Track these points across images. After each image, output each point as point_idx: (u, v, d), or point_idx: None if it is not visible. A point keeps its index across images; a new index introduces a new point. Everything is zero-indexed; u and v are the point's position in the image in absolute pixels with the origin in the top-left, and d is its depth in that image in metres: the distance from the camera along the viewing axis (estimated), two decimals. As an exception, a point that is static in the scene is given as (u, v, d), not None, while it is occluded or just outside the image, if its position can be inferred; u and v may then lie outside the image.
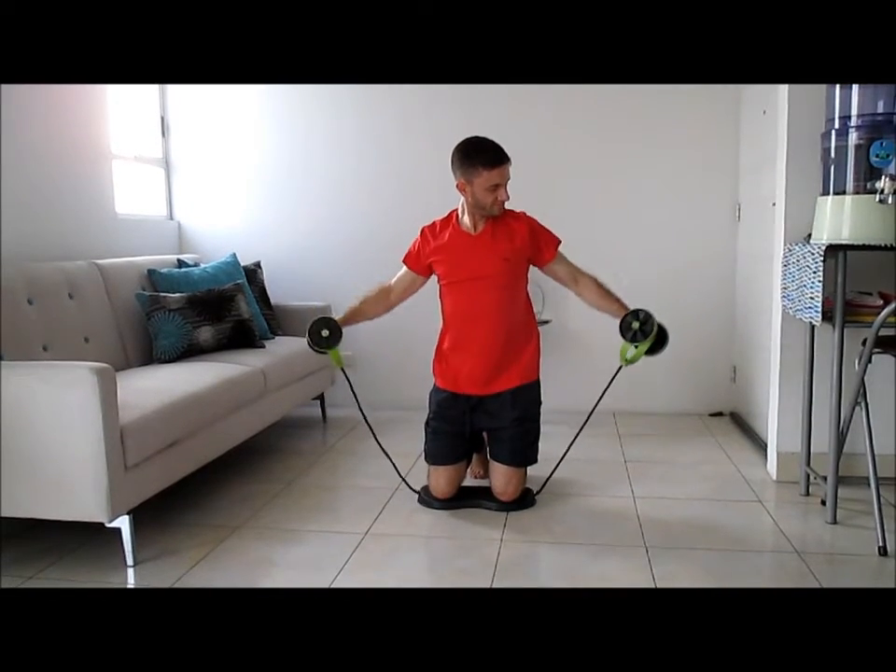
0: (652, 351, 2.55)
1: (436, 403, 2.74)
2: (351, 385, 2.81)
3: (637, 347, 2.53)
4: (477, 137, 2.59)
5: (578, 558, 2.30)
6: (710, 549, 2.35)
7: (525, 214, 2.70)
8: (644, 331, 2.49)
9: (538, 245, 2.67)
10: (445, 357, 2.74)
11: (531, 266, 2.73)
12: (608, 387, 2.68)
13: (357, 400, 2.80)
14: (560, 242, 2.70)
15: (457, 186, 2.60)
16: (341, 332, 2.65)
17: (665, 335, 2.55)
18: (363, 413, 2.82)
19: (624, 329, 2.52)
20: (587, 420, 2.74)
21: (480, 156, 2.53)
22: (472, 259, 2.63)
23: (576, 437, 2.77)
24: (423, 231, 2.75)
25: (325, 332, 2.64)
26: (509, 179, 2.58)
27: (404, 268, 2.78)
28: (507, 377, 2.67)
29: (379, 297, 2.80)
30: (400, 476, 2.86)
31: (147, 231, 4.00)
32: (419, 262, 2.73)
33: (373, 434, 2.85)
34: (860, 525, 2.51)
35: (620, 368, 2.61)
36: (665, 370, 4.00)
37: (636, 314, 2.51)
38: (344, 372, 2.80)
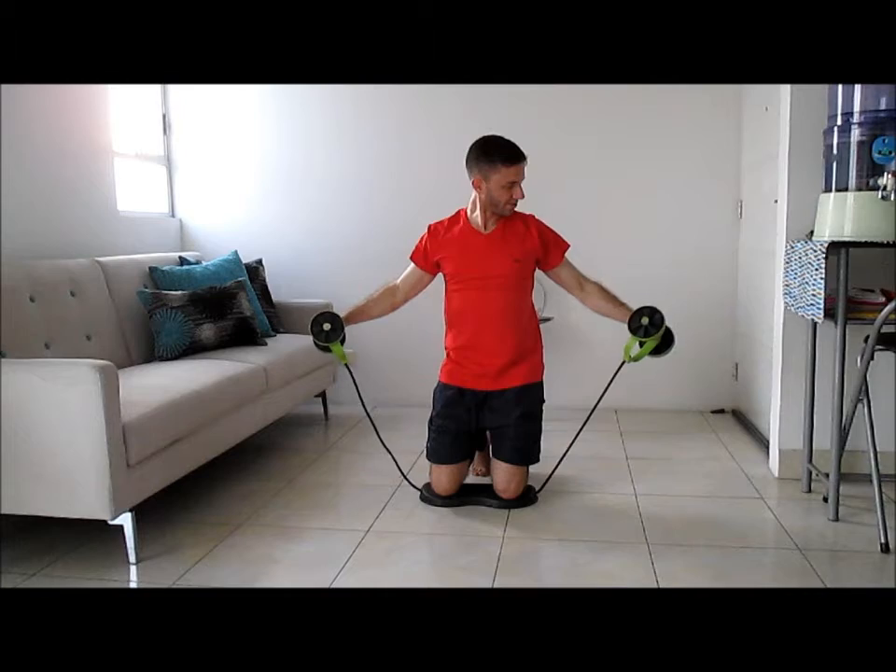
0: (657, 352, 2.58)
1: (441, 400, 2.74)
2: (355, 381, 2.81)
3: (641, 346, 2.55)
4: (495, 135, 2.61)
5: (579, 555, 2.31)
6: (712, 546, 2.35)
7: (533, 216, 2.71)
8: (654, 326, 2.51)
9: (547, 247, 2.68)
10: (453, 355, 2.74)
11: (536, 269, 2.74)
12: (610, 383, 2.68)
13: (360, 396, 2.79)
14: (568, 247, 2.71)
15: (473, 182, 2.61)
16: (342, 328, 2.65)
17: (670, 338, 2.57)
18: (366, 409, 2.82)
19: (633, 325, 2.54)
20: (588, 417, 2.74)
21: (499, 152, 2.55)
22: (482, 258, 2.64)
23: (577, 434, 2.77)
24: (430, 228, 2.75)
25: (326, 327, 2.64)
26: (524, 178, 2.59)
27: (411, 265, 2.78)
28: (514, 374, 2.67)
29: (384, 296, 2.79)
30: (401, 472, 2.87)
31: (148, 229, 4.01)
32: (426, 260, 2.73)
33: (375, 429, 2.86)
34: (862, 521, 2.51)
35: (623, 363, 2.62)
36: (667, 366, 3.98)
37: (645, 310, 2.53)
38: (348, 368, 2.80)
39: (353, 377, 2.81)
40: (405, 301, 2.82)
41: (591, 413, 2.74)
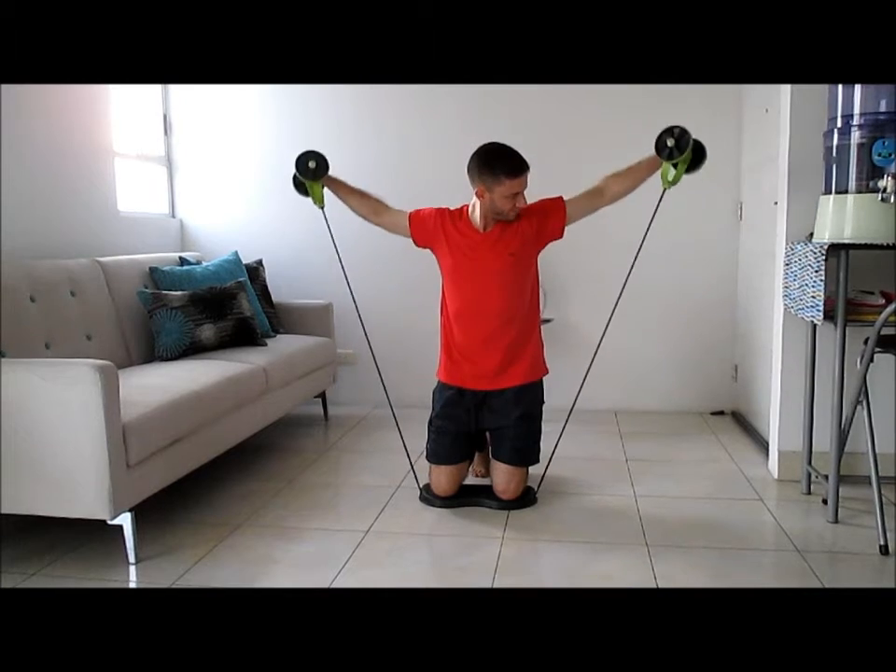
0: (693, 168, 2.55)
1: (441, 401, 2.74)
2: (329, 228, 2.85)
3: (676, 168, 2.52)
4: (496, 144, 2.58)
5: (579, 556, 2.31)
6: (711, 547, 2.35)
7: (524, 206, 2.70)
8: (679, 147, 2.48)
9: (543, 223, 2.65)
10: (451, 354, 2.74)
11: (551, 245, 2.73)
12: (652, 220, 2.67)
13: (381, 378, 2.90)
14: (561, 197, 2.68)
15: (476, 192, 2.57)
16: (327, 168, 2.72)
17: (702, 150, 2.54)
18: (386, 391, 2.92)
19: (660, 148, 2.51)
20: (580, 390, 2.78)
21: (502, 164, 2.52)
22: (479, 257, 2.63)
23: (567, 419, 2.79)
24: (441, 210, 2.72)
25: (312, 164, 2.71)
26: (526, 187, 2.58)
27: (406, 216, 2.75)
28: (513, 374, 2.68)
29: (369, 202, 2.83)
30: (411, 465, 2.91)
31: (149, 229, 4.01)
32: (421, 228, 2.71)
33: (393, 413, 2.96)
34: (861, 523, 2.51)
35: (664, 191, 2.59)
36: (667, 368, 4.00)
37: (670, 130, 2.50)
38: (325, 215, 2.82)
39: (332, 235, 2.85)
40: (377, 226, 2.84)
41: (580, 388, 2.78)
